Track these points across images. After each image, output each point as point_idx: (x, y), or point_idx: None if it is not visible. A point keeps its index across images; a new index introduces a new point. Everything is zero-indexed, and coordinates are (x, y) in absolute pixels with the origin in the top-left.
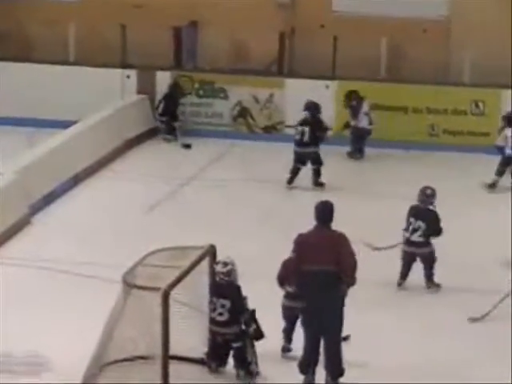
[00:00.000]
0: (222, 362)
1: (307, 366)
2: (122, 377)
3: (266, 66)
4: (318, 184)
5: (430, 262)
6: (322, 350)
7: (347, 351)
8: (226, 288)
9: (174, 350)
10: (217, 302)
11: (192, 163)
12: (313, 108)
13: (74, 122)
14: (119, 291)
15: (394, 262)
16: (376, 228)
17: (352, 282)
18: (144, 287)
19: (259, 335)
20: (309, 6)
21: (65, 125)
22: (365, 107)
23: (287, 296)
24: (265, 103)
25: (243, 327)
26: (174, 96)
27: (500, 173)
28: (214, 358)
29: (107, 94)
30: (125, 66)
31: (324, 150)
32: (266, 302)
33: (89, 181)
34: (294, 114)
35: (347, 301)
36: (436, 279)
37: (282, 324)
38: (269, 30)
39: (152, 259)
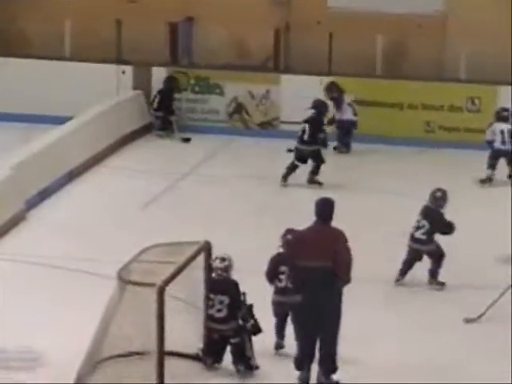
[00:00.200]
0: (218, 358)
1: (303, 362)
2: (116, 373)
3: (261, 62)
4: (313, 182)
5: (437, 257)
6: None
7: (345, 349)
8: (223, 284)
9: (169, 345)
10: (215, 298)
11: (188, 159)
12: (319, 107)
13: (70, 118)
14: (114, 287)
15: (393, 260)
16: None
17: (347, 279)
18: (139, 283)
19: (257, 330)
20: (304, 3)
21: (60, 120)
22: (346, 98)
23: (277, 292)
24: (260, 99)
25: (241, 323)
26: (168, 90)
27: (491, 166)
28: (210, 354)
29: (103, 90)
30: (120, 61)
31: None
32: (262, 297)
33: (84, 176)
34: (290, 110)
35: (345, 298)
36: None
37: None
38: (264, 26)
39: (147, 255)
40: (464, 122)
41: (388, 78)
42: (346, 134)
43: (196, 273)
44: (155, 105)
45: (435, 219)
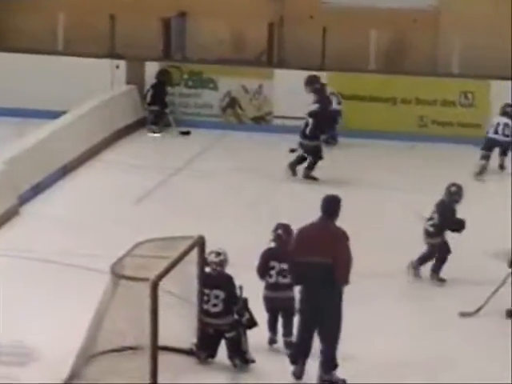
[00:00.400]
0: (213, 352)
1: (297, 356)
2: (110, 367)
3: (255, 57)
4: (308, 177)
5: (442, 253)
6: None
7: (344, 346)
8: (218, 279)
9: (162, 340)
10: (210, 293)
11: (181, 153)
12: (322, 101)
13: (63, 112)
14: (108, 282)
15: (392, 257)
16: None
17: (344, 280)
18: (132, 278)
19: (252, 324)
20: None
21: (54, 115)
22: (329, 88)
23: (267, 287)
24: (254, 94)
25: (236, 317)
26: (161, 83)
27: (485, 157)
28: (205, 348)
29: (96, 84)
30: (114, 56)
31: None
32: (256, 291)
33: (78, 171)
34: (283, 105)
35: (345, 296)
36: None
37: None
38: (258, 21)
39: (141, 250)
40: (457, 117)
41: (381, 72)
42: (333, 124)
43: (190, 267)
44: (149, 99)
45: (446, 215)
